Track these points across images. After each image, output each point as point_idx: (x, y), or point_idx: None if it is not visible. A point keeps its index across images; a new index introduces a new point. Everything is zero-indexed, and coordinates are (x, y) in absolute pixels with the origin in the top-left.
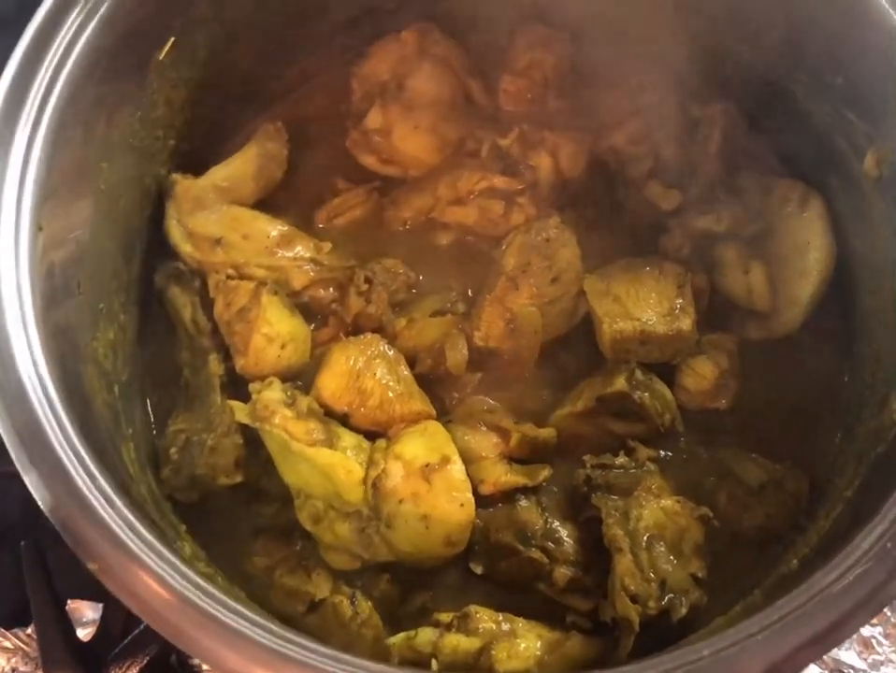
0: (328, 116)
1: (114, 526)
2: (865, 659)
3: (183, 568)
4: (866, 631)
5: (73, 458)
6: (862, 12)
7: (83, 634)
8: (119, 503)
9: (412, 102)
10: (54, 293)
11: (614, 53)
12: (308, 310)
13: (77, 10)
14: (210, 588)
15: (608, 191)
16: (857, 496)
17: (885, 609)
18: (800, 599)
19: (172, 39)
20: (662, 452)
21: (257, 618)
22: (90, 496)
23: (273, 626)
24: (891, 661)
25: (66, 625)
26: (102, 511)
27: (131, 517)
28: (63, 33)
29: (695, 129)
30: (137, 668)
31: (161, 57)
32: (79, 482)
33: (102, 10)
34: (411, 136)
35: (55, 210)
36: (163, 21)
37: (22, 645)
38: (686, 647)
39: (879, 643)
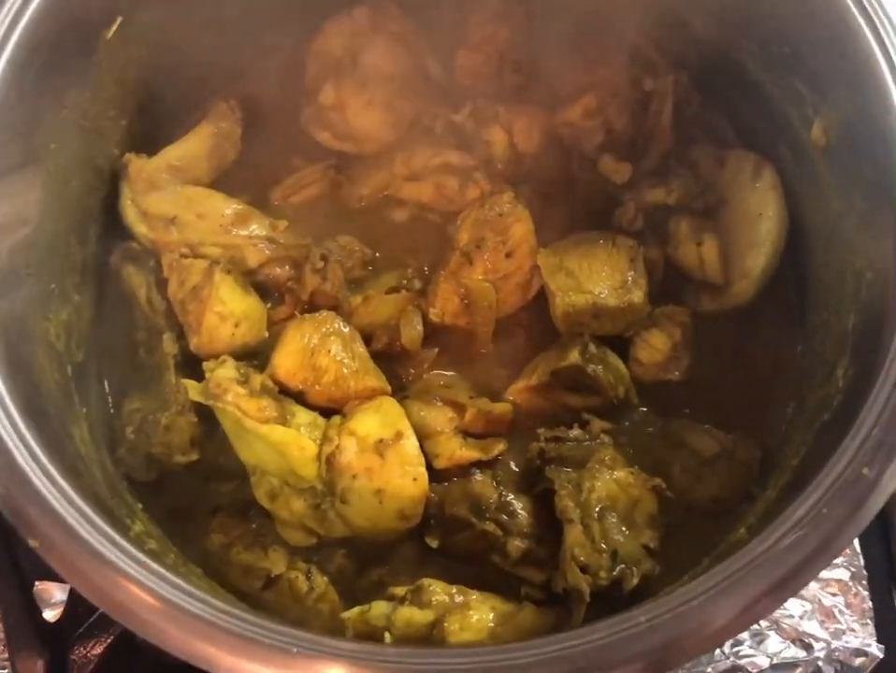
0: (284, 93)
1: (54, 503)
2: (827, 628)
3: (125, 544)
4: (828, 601)
5: (14, 437)
6: None
7: (51, 615)
8: (61, 480)
9: (366, 78)
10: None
11: (568, 27)
12: (264, 288)
13: None
14: (153, 564)
15: (563, 165)
16: (802, 465)
17: (846, 579)
18: (735, 566)
19: (119, 19)
20: (616, 424)
21: (196, 592)
22: (30, 473)
23: (213, 599)
24: (853, 630)
25: (32, 607)
26: (43, 488)
27: (73, 493)
28: (4, 13)
29: (648, 102)
30: (102, 647)
31: (109, 37)
32: (20, 460)
33: None
34: (364, 112)
35: (1, 193)
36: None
37: None
38: (623, 613)
39: (841, 612)
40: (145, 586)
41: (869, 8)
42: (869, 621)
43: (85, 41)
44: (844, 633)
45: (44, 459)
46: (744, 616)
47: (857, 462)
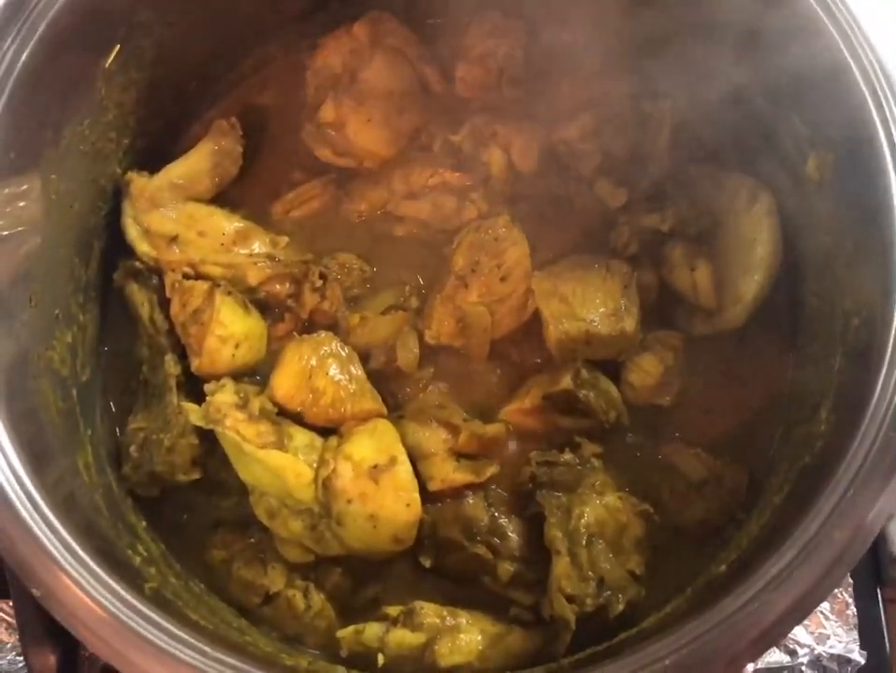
0: (286, 106)
1: (56, 554)
2: (812, 633)
3: (122, 592)
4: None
5: (17, 489)
6: (801, 19)
7: None
8: (63, 531)
9: (365, 94)
10: (5, 313)
11: (569, 43)
12: (264, 305)
13: (16, 28)
14: (149, 612)
15: (560, 185)
16: (784, 506)
17: None
18: (704, 627)
19: (118, 47)
20: (607, 447)
21: (189, 638)
22: (33, 525)
23: (206, 648)
24: (837, 634)
25: None
26: (45, 539)
27: (75, 544)
28: (3, 49)
29: (646, 124)
30: None
31: (107, 65)
32: (24, 513)
33: (41, 29)
34: (364, 129)
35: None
36: (106, 31)
37: (6, 617)
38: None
39: (826, 618)
40: (146, 640)
41: (864, 59)
42: (853, 627)
43: (84, 72)
44: (828, 638)
45: (45, 509)
46: None
47: (829, 525)
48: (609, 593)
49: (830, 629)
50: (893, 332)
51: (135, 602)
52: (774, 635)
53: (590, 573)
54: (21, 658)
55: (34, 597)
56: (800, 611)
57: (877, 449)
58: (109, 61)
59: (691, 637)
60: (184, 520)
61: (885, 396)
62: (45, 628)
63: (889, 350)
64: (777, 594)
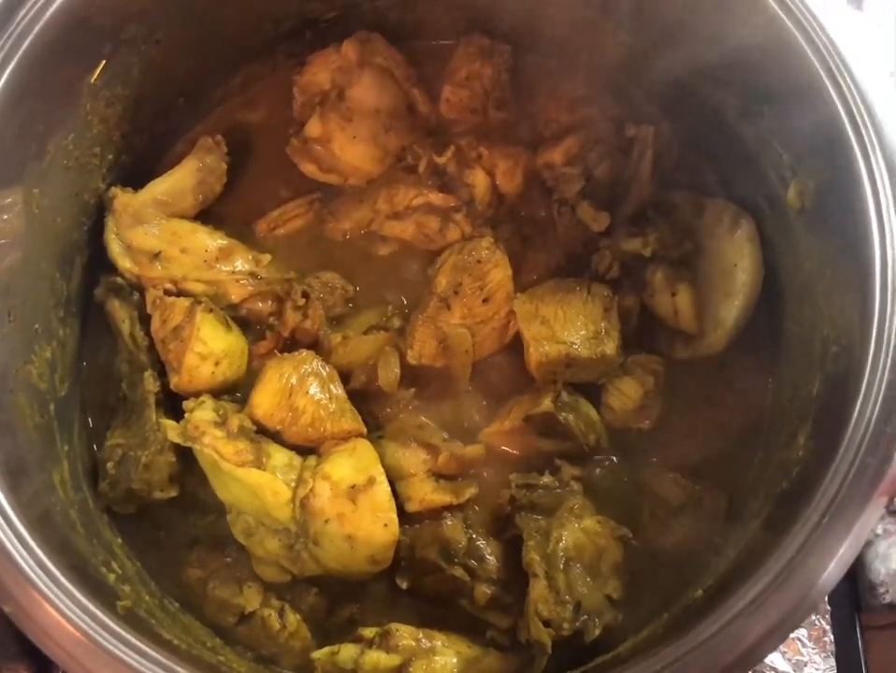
0: (272, 124)
1: (29, 572)
2: (790, 660)
3: (96, 611)
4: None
5: None
6: (782, 50)
7: None
8: (37, 549)
9: (352, 112)
10: None
11: (554, 66)
12: (246, 323)
13: (1, 41)
14: (122, 631)
15: (544, 207)
16: (761, 531)
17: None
18: (679, 651)
19: (104, 62)
20: (587, 470)
21: (162, 659)
22: (6, 541)
23: (179, 668)
24: (814, 662)
25: None
26: (18, 557)
27: (49, 562)
28: None
29: (629, 148)
30: None
31: (93, 80)
32: None
33: (27, 42)
34: (350, 145)
35: None
36: (92, 46)
37: None
38: None
39: (803, 644)
40: (119, 659)
41: (846, 90)
42: (830, 654)
43: (68, 88)
44: (805, 665)
45: (19, 525)
46: None
47: (804, 550)
48: (586, 617)
49: (808, 656)
50: (871, 359)
51: (108, 621)
52: (750, 660)
53: (567, 597)
54: None
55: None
56: (776, 637)
57: (853, 475)
58: (95, 76)
59: (667, 661)
60: (161, 537)
61: (861, 423)
62: (20, 645)
63: (867, 376)
64: (753, 620)
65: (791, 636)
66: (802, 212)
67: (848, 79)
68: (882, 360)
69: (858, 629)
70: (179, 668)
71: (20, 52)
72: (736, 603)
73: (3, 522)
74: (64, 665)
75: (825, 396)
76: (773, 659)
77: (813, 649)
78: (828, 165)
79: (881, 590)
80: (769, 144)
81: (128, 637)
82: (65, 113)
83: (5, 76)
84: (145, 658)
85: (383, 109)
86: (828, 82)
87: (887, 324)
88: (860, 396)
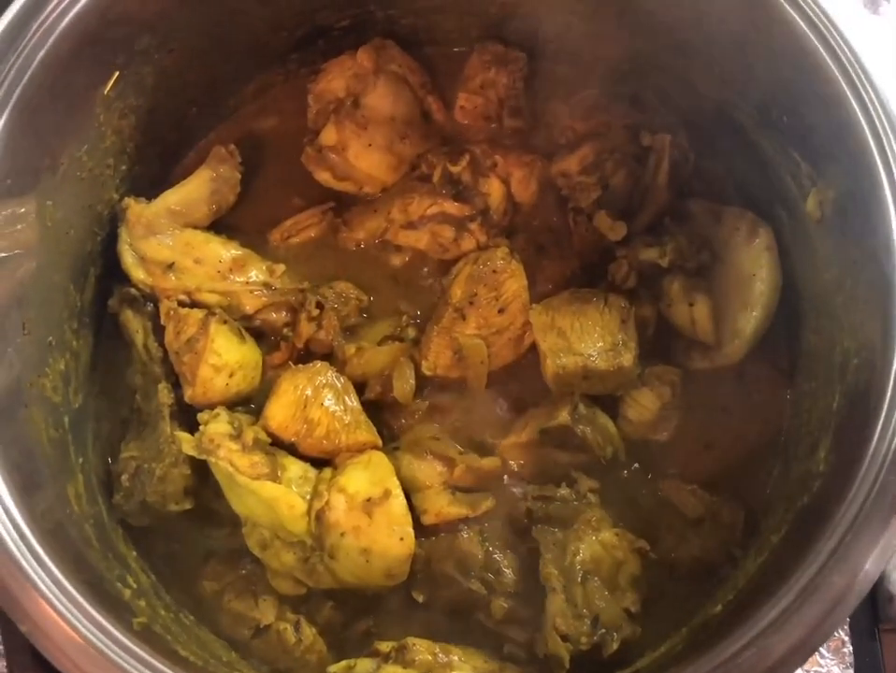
0: (285, 133)
1: (46, 591)
2: (807, 671)
3: (110, 628)
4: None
5: (6, 521)
6: (800, 58)
7: None
8: (52, 566)
9: (367, 119)
10: None
11: (569, 74)
12: (260, 333)
13: (16, 53)
14: (137, 649)
15: (559, 216)
16: (782, 546)
17: None
18: (701, 670)
19: (117, 73)
20: (604, 482)
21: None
22: (22, 560)
23: None
24: None
25: None
26: (30, 570)
27: (64, 580)
28: (1, 76)
29: (645, 157)
30: None
31: (106, 91)
32: (13, 548)
33: (40, 54)
34: (365, 153)
35: None
36: (105, 57)
37: None
38: None
39: (822, 655)
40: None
41: (865, 97)
42: (849, 665)
43: (81, 100)
44: None
45: (32, 539)
46: None
47: (827, 568)
48: (604, 631)
49: (826, 667)
50: (894, 372)
51: (123, 638)
52: None
53: (585, 611)
54: None
55: None
56: (798, 656)
57: (877, 492)
58: (109, 87)
59: None
60: (175, 550)
61: (885, 438)
62: (32, 655)
63: (890, 390)
64: (775, 639)
65: None
66: (822, 221)
67: (868, 86)
68: None
69: (878, 640)
70: None
71: (33, 65)
72: (758, 621)
73: (16, 535)
74: None
75: (846, 409)
76: None
77: (832, 660)
78: (847, 174)
79: None
80: (787, 152)
81: (144, 655)
82: (79, 125)
83: (18, 89)
84: None
85: (399, 117)
86: (847, 89)
87: None
88: (884, 410)
